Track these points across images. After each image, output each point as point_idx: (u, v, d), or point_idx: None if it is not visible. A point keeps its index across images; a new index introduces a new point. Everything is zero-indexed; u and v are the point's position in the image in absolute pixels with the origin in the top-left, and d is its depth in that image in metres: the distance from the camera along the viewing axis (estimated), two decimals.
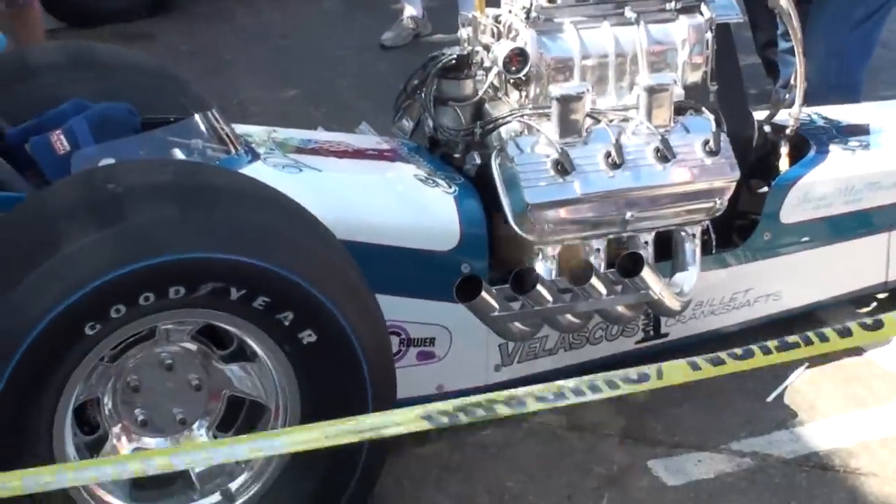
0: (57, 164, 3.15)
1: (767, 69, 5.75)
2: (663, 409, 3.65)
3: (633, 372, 2.50)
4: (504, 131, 3.52)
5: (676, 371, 2.52)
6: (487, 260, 3.44)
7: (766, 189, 3.84)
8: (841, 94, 4.63)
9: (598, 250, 3.49)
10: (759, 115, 3.97)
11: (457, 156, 3.64)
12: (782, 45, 5.24)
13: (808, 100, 3.93)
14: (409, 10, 7.15)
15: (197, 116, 3.39)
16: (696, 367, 2.51)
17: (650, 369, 2.52)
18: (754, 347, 2.59)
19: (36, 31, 6.02)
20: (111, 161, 3.10)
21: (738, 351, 2.57)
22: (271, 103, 6.27)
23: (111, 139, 3.21)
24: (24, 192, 2.96)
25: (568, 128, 3.41)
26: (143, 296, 2.68)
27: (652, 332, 3.74)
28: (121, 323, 2.72)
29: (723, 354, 2.56)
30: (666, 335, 3.76)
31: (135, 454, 2.92)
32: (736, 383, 3.59)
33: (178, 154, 3.25)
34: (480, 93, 3.64)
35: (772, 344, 2.60)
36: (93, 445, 2.98)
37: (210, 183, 2.95)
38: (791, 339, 2.58)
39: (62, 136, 3.21)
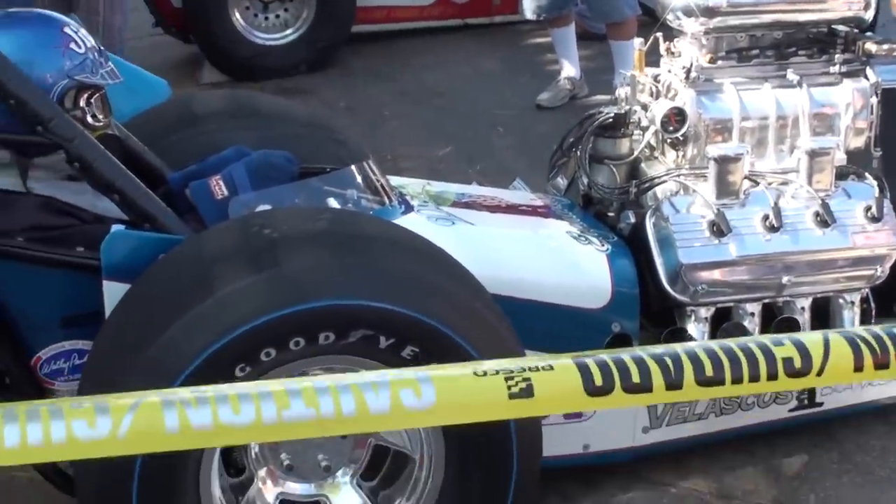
0: (215, 209, 3.20)
1: None
2: (819, 480, 3.54)
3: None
4: (660, 191, 3.50)
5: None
6: (639, 319, 3.40)
7: None
8: None
9: (752, 314, 3.43)
10: None
11: (611, 214, 3.62)
12: None
13: None
14: (567, 71, 7.14)
15: (353, 167, 3.42)
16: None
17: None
18: None
19: None
20: (268, 207, 3.15)
21: None
22: (425, 159, 6.30)
23: (269, 186, 3.26)
24: (183, 235, 3.01)
25: (725, 189, 3.38)
26: (293, 340, 2.71)
27: (807, 401, 3.64)
28: (270, 366, 2.74)
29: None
30: (821, 404, 3.65)
31: None
32: None
33: (334, 203, 3.28)
34: (637, 152, 3.62)
35: None
36: (238, 488, 3.01)
37: (364, 232, 2.98)
38: None
39: (221, 182, 3.26)
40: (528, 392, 2.00)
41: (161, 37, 8.12)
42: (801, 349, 2.15)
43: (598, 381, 2.04)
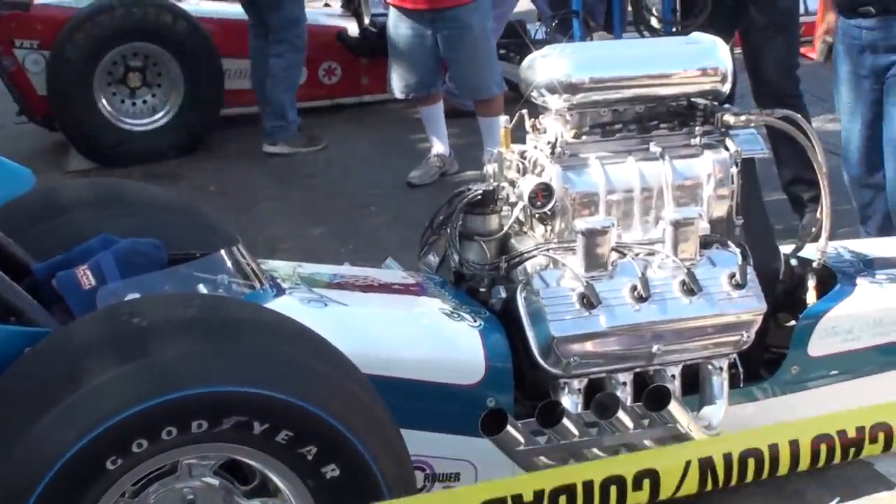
0: (83, 300, 3.16)
1: (793, 205, 5.76)
2: None
3: None
4: (529, 265, 3.52)
5: None
6: (513, 394, 3.42)
7: (793, 322, 3.81)
8: None
9: (624, 384, 3.47)
10: (786, 249, 3.97)
11: (482, 290, 3.63)
12: None
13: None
14: (437, 149, 7.21)
15: (222, 252, 3.40)
16: None
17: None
18: None
19: None
20: (136, 296, 3.11)
21: None
22: (298, 240, 6.29)
23: (137, 274, 3.22)
24: (50, 327, 2.97)
25: (593, 262, 3.42)
26: (165, 430, 2.67)
27: None
28: (143, 457, 2.71)
29: None
30: None
31: None
32: None
33: (203, 289, 3.26)
34: (506, 228, 3.65)
35: None
36: None
37: (234, 317, 2.96)
38: None
39: (88, 272, 3.22)
40: None
41: (25, 125, 8.04)
42: None
43: None
